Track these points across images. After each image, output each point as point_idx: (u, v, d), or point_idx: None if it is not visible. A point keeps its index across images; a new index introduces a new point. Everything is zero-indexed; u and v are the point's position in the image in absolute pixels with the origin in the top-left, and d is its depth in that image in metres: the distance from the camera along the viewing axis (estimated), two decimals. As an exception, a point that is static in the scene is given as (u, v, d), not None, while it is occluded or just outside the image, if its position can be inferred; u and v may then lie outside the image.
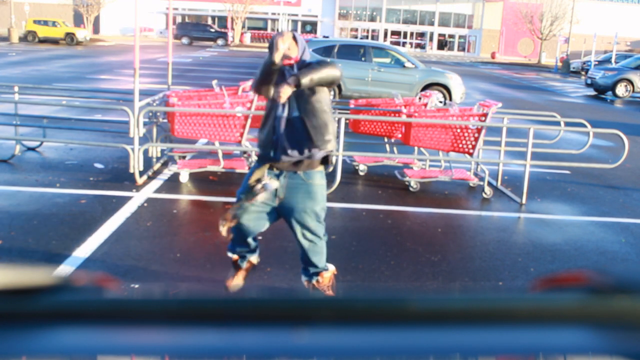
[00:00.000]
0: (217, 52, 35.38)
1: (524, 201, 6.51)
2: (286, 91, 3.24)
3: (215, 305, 0.67)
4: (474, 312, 0.66)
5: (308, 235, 3.50)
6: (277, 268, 4.26)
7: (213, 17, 52.67)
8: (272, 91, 3.37)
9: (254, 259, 3.77)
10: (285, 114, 3.35)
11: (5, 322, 0.62)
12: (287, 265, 4.28)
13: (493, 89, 21.61)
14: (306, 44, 3.51)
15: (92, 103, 9.78)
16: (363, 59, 13.75)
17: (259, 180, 3.40)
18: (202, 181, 6.63)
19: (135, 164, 6.27)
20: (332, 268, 3.73)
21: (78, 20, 47.34)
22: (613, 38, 35.32)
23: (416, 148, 7.38)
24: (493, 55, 51.11)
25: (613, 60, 29.27)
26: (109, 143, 7.10)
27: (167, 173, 6.81)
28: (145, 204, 5.72)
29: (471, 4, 56.10)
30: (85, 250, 4.48)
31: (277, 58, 3.27)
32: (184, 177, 6.56)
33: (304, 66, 3.35)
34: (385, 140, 7.85)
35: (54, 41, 35.05)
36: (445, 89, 13.48)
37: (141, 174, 6.42)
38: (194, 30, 44.45)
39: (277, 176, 3.42)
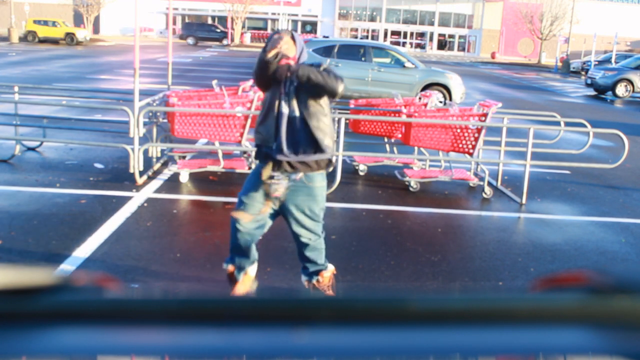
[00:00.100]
0: (217, 52, 35.38)
1: (524, 201, 6.51)
2: (287, 45, 3.24)
3: (215, 305, 0.67)
4: (474, 312, 0.66)
5: (308, 234, 3.49)
6: (277, 268, 4.26)
7: (213, 17, 52.67)
8: (269, 77, 3.31)
9: (251, 270, 3.66)
10: (287, 111, 3.31)
11: (5, 322, 0.62)
12: (287, 265, 4.28)
13: (493, 89, 21.61)
14: (305, 44, 3.48)
15: (92, 103, 9.79)
16: (363, 59, 13.75)
17: (272, 177, 3.35)
18: (202, 181, 6.63)
19: (135, 164, 6.27)
20: (331, 267, 3.73)
21: (78, 20, 47.34)
22: (613, 38, 35.32)
23: (416, 148, 7.38)
24: (493, 55, 51.11)
25: (613, 60, 29.28)
26: (109, 143, 7.10)
27: (167, 173, 6.81)
28: (145, 204, 5.72)
29: (471, 4, 56.10)
30: (85, 250, 4.48)
31: (270, 54, 3.22)
32: (184, 177, 6.56)
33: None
34: (385, 140, 7.85)
35: (54, 41, 35.05)
36: (445, 89, 13.48)
37: (141, 174, 6.42)
38: (199, 30, 44.66)
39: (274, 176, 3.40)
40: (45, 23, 35.95)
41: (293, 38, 3.35)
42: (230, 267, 3.62)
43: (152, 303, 0.68)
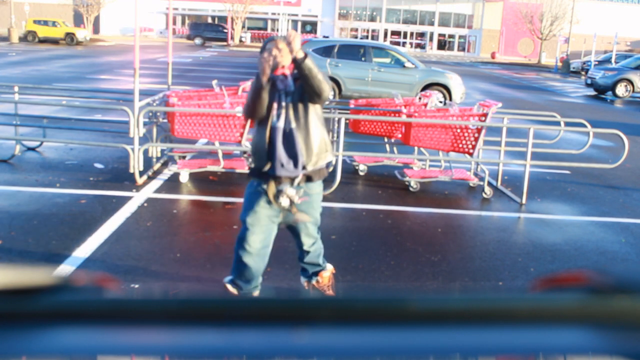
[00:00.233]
0: (217, 52, 35.38)
1: (524, 201, 6.51)
2: (297, 39, 3.08)
3: (215, 305, 0.67)
4: (474, 312, 0.66)
5: (309, 240, 3.49)
6: (277, 268, 4.26)
7: (213, 17, 52.67)
8: (264, 105, 3.19)
9: (256, 294, 3.54)
10: (282, 124, 3.22)
11: (5, 322, 0.62)
12: (287, 265, 4.28)
13: (493, 89, 21.61)
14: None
15: (92, 103, 9.78)
16: (363, 59, 13.75)
17: (279, 192, 3.25)
18: (202, 181, 6.63)
19: (135, 164, 6.27)
20: (330, 267, 3.73)
21: (78, 20, 47.34)
22: (613, 38, 35.32)
23: (416, 148, 7.38)
24: (493, 55, 51.11)
25: (613, 60, 29.27)
26: (109, 143, 7.10)
27: (167, 173, 6.81)
28: (145, 204, 5.72)
29: (471, 4, 56.09)
30: (85, 250, 4.48)
31: (265, 78, 3.12)
32: (184, 177, 6.56)
33: (299, 76, 3.22)
34: (385, 140, 7.85)
35: (54, 41, 35.05)
36: (445, 89, 13.48)
37: (141, 174, 6.42)
38: (206, 30, 44.99)
39: (279, 190, 3.30)
40: (45, 23, 35.94)
41: (288, 45, 3.23)
42: (233, 289, 3.48)
43: (152, 303, 0.68)
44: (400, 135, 7.31)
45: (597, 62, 31.28)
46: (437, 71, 14.05)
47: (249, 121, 6.50)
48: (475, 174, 7.23)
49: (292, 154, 3.23)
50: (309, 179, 3.31)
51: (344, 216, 5.75)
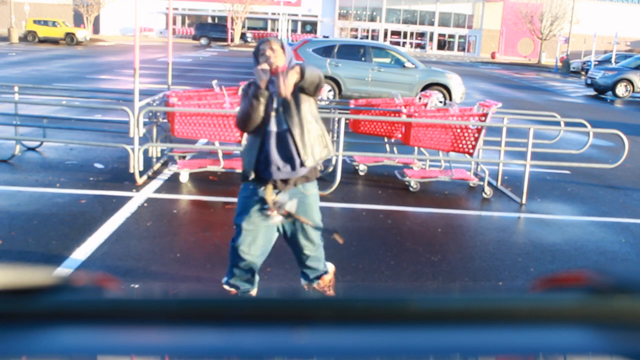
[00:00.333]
0: (217, 52, 35.38)
1: (524, 201, 6.51)
2: (292, 78, 2.97)
3: (215, 305, 0.67)
4: (474, 312, 0.66)
5: (310, 245, 3.39)
6: (277, 268, 4.26)
7: (213, 17, 52.67)
8: (261, 114, 3.13)
9: (253, 292, 3.53)
10: (275, 128, 3.16)
11: (5, 322, 0.62)
12: (287, 265, 4.28)
13: (493, 89, 21.61)
14: (293, 52, 3.34)
15: (92, 103, 9.79)
16: (363, 59, 13.75)
17: (275, 203, 3.19)
18: (202, 181, 6.63)
19: (135, 164, 6.27)
20: (332, 268, 3.72)
21: (78, 20, 47.35)
22: (613, 38, 35.33)
23: (416, 148, 7.38)
24: (493, 55, 51.11)
25: (613, 60, 29.28)
26: (109, 143, 7.10)
27: (167, 173, 6.81)
28: (145, 204, 5.72)
29: (471, 4, 56.10)
30: (85, 250, 4.48)
31: (263, 85, 3.07)
32: (184, 177, 6.56)
33: None
34: (385, 140, 7.85)
35: (54, 41, 35.06)
36: (445, 89, 13.48)
37: (141, 174, 6.42)
38: (212, 30, 45.35)
39: (276, 194, 3.25)
40: (45, 23, 35.95)
41: (282, 46, 3.19)
42: (233, 290, 3.46)
43: (152, 303, 0.68)
44: (400, 135, 7.31)
45: (597, 62, 31.28)
46: (437, 71, 14.05)
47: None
48: (475, 174, 7.23)
49: (288, 156, 3.17)
50: (306, 178, 3.27)
51: (344, 216, 5.75)
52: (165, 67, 12.05)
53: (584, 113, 15.28)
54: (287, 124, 3.16)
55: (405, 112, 7.15)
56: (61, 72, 17.74)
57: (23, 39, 35.17)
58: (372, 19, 56.06)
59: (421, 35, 56.70)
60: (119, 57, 26.43)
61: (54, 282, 0.68)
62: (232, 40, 46.10)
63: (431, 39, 56.41)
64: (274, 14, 52.14)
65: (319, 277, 3.59)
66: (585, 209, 6.55)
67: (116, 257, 4.39)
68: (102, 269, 4.17)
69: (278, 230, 3.39)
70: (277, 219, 3.22)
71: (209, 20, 51.68)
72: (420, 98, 8.19)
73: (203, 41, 43.84)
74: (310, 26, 55.05)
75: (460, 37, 56.88)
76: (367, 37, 53.63)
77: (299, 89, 3.14)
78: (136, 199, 5.82)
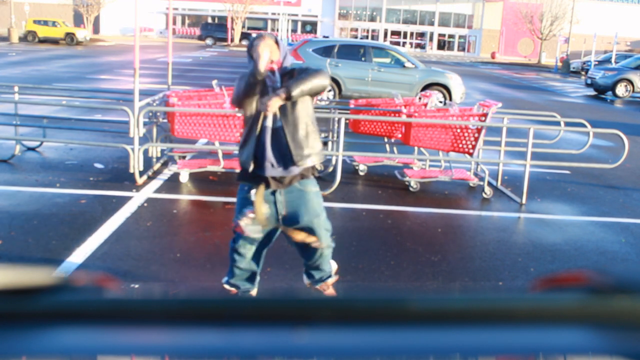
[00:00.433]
0: (217, 52, 35.38)
1: (524, 201, 6.51)
2: (275, 103, 3.04)
3: (215, 305, 0.67)
4: (474, 312, 0.66)
5: (315, 241, 3.36)
6: (277, 268, 4.26)
7: (213, 17, 52.67)
8: (255, 104, 3.15)
9: (253, 292, 3.55)
10: (270, 124, 3.17)
11: (5, 322, 0.62)
12: (287, 265, 4.28)
13: (493, 89, 21.61)
14: (288, 48, 3.34)
15: (92, 103, 9.79)
16: (363, 59, 13.75)
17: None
18: (202, 181, 6.63)
19: (135, 164, 6.27)
20: (334, 267, 3.72)
21: (78, 20, 47.34)
22: (613, 38, 35.32)
23: (416, 148, 7.38)
24: (493, 55, 51.11)
25: (613, 60, 29.27)
26: (109, 143, 7.10)
27: (167, 173, 6.81)
28: (145, 204, 5.72)
29: (471, 4, 56.09)
30: (85, 250, 4.48)
31: (262, 66, 3.06)
32: (184, 177, 6.56)
33: (287, 72, 3.19)
34: (385, 140, 7.85)
35: (54, 41, 35.05)
36: (445, 89, 13.48)
37: (141, 174, 6.42)
38: (217, 31, 45.81)
39: (273, 194, 3.25)
40: (45, 23, 35.95)
41: (276, 42, 3.19)
42: (233, 290, 3.48)
43: (152, 303, 0.68)
44: (400, 135, 7.31)
45: (597, 62, 31.28)
46: (437, 71, 14.05)
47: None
48: (475, 174, 7.23)
49: (281, 153, 3.17)
50: (301, 176, 3.26)
51: (344, 216, 5.75)
52: (165, 67, 12.04)
53: (584, 113, 15.28)
54: (282, 121, 3.17)
55: (405, 112, 7.15)
56: (61, 72, 17.74)
57: (23, 39, 35.17)
58: (372, 19, 56.05)
59: (421, 35, 56.69)
60: (119, 57, 26.42)
61: (54, 282, 0.68)
62: (232, 40, 46.12)
63: (431, 39, 56.41)
64: (274, 14, 52.12)
65: (323, 280, 3.58)
66: (585, 209, 6.55)
67: (116, 257, 4.39)
68: (102, 269, 4.17)
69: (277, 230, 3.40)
70: (245, 222, 3.21)
71: (209, 20, 51.67)
72: (420, 98, 8.19)
73: (209, 41, 44.45)
74: (310, 26, 55.04)
75: (460, 37, 56.88)
76: (367, 37, 53.63)
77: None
78: (136, 199, 5.82)
